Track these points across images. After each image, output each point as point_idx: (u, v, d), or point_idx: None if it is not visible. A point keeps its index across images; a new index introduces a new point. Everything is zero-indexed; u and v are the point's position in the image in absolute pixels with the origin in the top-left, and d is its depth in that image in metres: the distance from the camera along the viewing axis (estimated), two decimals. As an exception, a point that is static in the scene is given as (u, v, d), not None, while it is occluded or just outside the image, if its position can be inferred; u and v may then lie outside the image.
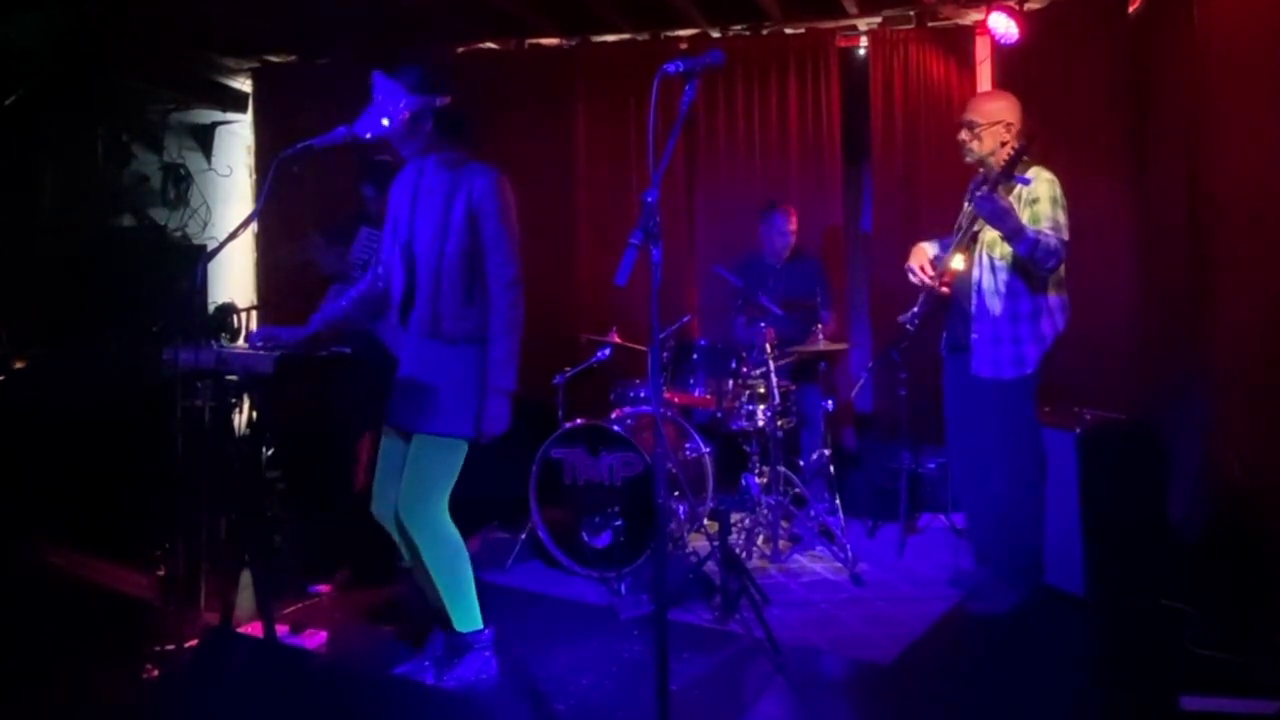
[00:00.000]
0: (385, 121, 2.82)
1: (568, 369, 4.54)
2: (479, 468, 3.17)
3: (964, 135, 3.56)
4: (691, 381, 4.52)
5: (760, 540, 4.37)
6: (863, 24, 5.42)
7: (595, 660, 3.20)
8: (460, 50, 5.80)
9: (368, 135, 2.84)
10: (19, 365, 4.08)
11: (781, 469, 4.34)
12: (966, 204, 3.73)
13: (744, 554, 4.21)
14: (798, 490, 4.50)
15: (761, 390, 4.30)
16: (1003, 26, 4.71)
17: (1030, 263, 3.33)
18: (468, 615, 2.98)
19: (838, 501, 4.60)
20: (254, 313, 4.95)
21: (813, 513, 4.52)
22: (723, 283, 4.63)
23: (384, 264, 3.10)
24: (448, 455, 2.89)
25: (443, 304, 2.87)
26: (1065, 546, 3.61)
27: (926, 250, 3.77)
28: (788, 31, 5.49)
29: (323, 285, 4.16)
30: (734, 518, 4.34)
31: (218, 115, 5.97)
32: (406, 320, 2.96)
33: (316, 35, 5.54)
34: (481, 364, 2.88)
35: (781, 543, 4.30)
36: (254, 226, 4.73)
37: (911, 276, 3.74)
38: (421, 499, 2.87)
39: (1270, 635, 3.05)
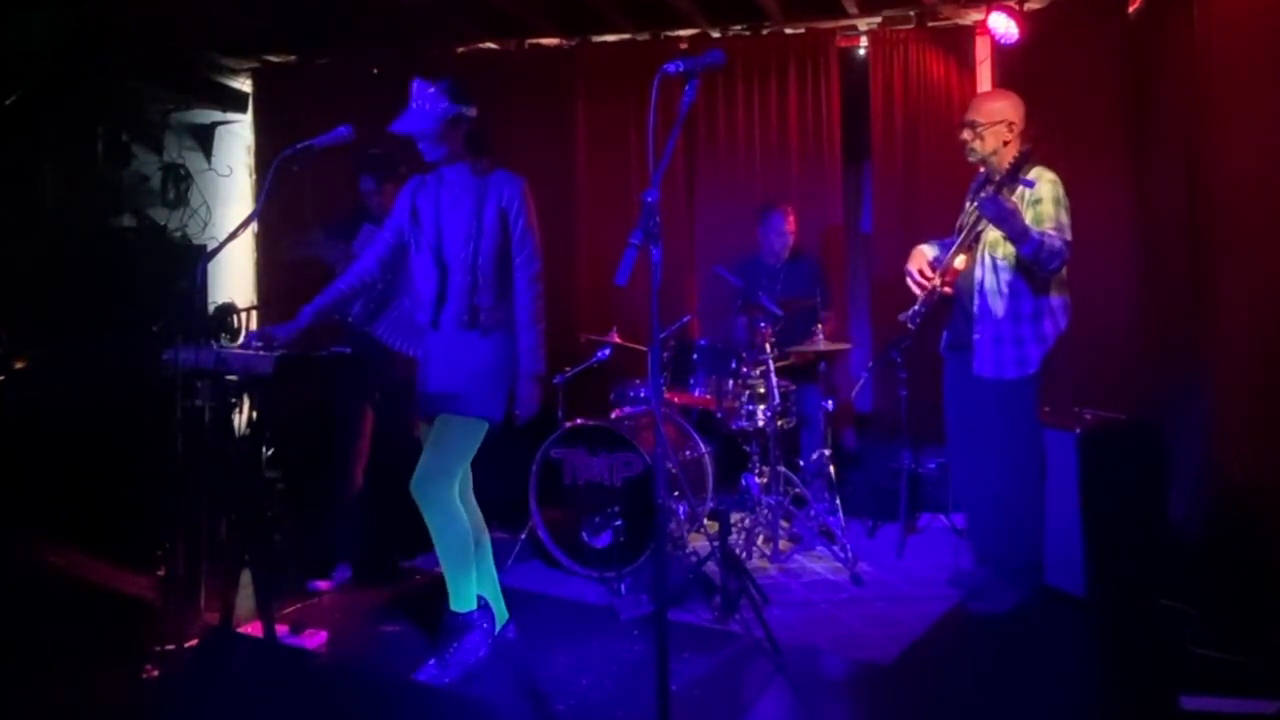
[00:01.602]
0: (424, 121, 2.98)
1: (568, 369, 4.54)
2: (479, 467, 3.18)
3: (966, 135, 3.56)
4: (691, 381, 4.52)
5: (760, 540, 4.37)
6: (863, 24, 5.41)
7: (595, 660, 3.20)
8: (460, 50, 5.80)
9: (404, 132, 3.01)
10: (19, 365, 4.08)
11: (781, 469, 4.34)
12: (968, 203, 3.73)
13: (744, 554, 4.21)
14: (798, 490, 4.50)
15: (761, 390, 4.30)
16: (1003, 26, 4.71)
17: (1034, 264, 3.33)
18: (464, 595, 3.08)
19: (838, 501, 4.59)
20: (254, 313, 4.94)
21: (813, 513, 4.52)
22: (723, 283, 4.63)
23: (374, 261, 3.22)
24: (470, 437, 3.06)
25: (480, 298, 3.07)
26: (1065, 546, 3.61)
27: (926, 253, 3.76)
28: (788, 31, 5.49)
29: (323, 283, 4.16)
30: (734, 518, 4.34)
31: (218, 115, 5.97)
32: (439, 318, 3.10)
33: (316, 35, 5.54)
34: (510, 352, 3.10)
35: (781, 543, 4.30)
36: (254, 226, 4.73)
37: (910, 281, 3.74)
38: (436, 475, 3.00)
39: (1270, 635, 3.05)
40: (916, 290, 3.73)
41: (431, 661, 3.02)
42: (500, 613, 3.25)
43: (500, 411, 3.07)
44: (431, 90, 2.98)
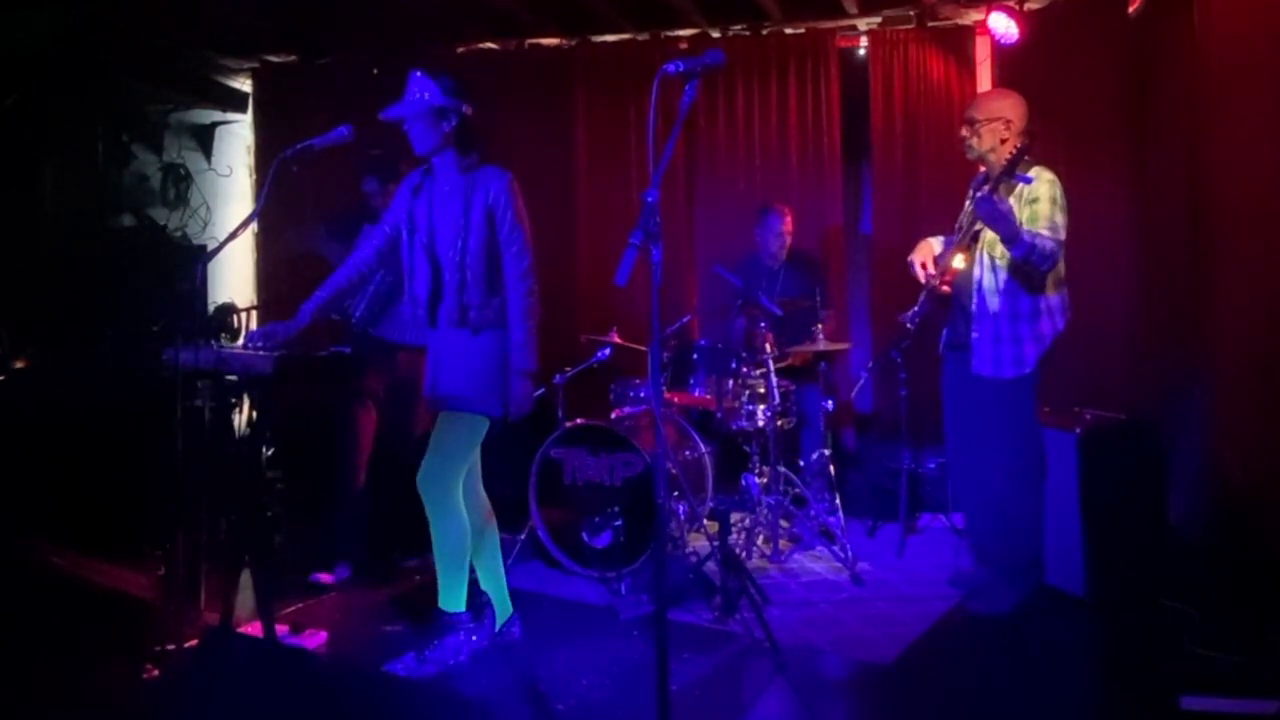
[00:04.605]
0: (412, 107, 3.04)
1: (568, 369, 4.54)
2: (483, 466, 3.19)
3: (964, 131, 3.59)
4: (691, 381, 4.52)
5: (760, 540, 4.37)
6: (863, 24, 5.41)
7: (595, 660, 3.20)
8: (460, 50, 5.80)
9: (392, 117, 3.06)
10: (19, 365, 4.09)
11: (781, 469, 4.34)
12: (968, 203, 3.74)
13: (744, 554, 4.20)
14: (798, 490, 4.50)
15: (761, 390, 4.30)
16: (1003, 26, 4.71)
17: (1025, 265, 3.34)
18: (455, 595, 3.11)
19: (838, 501, 4.59)
20: (254, 313, 4.93)
21: (813, 513, 4.52)
22: (723, 283, 4.63)
23: (372, 252, 3.25)
24: (470, 432, 3.08)
25: (468, 296, 3.08)
26: (1065, 546, 3.61)
27: (933, 245, 3.77)
28: (788, 31, 5.49)
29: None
30: (734, 518, 4.34)
31: (218, 115, 5.97)
32: (435, 316, 3.13)
33: (316, 35, 5.54)
34: (503, 348, 3.10)
35: (781, 543, 4.30)
36: (254, 226, 4.72)
37: (913, 270, 3.74)
38: (439, 470, 3.04)
39: (1270, 635, 3.05)
40: (921, 278, 3.73)
41: (410, 654, 3.07)
42: (504, 607, 3.25)
43: (498, 408, 3.07)
44: (426, 82, 3.04)
